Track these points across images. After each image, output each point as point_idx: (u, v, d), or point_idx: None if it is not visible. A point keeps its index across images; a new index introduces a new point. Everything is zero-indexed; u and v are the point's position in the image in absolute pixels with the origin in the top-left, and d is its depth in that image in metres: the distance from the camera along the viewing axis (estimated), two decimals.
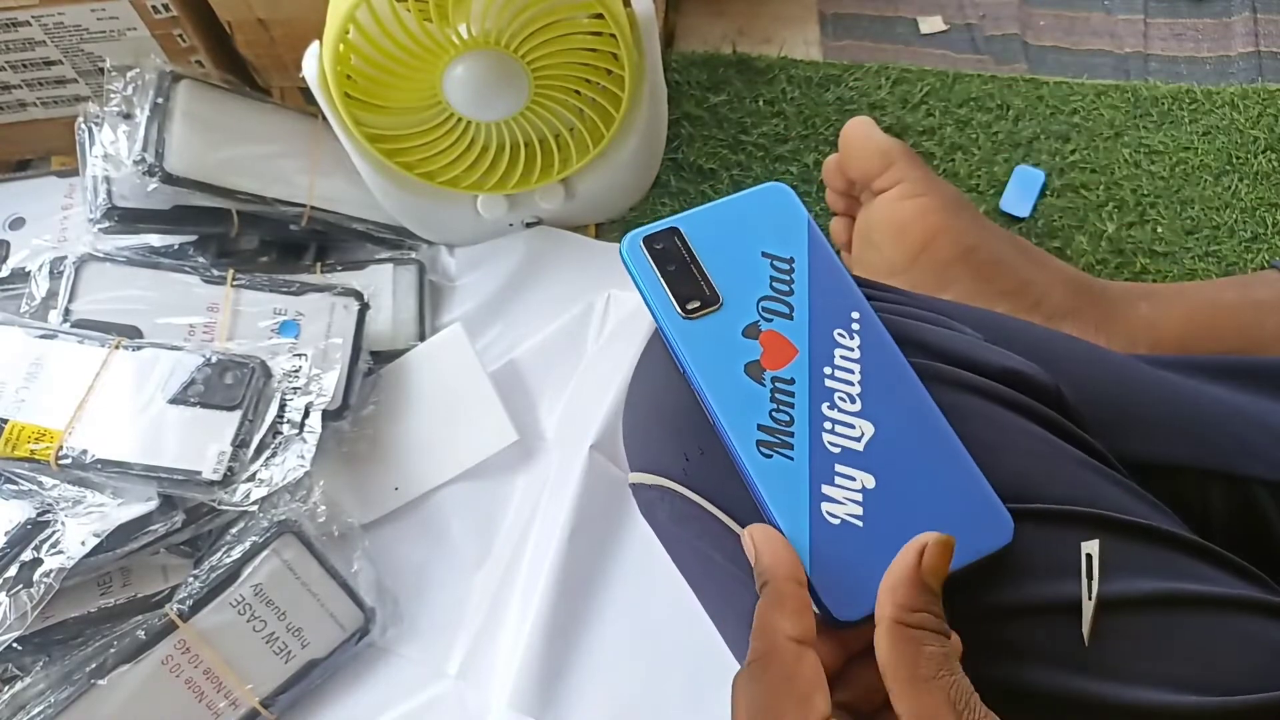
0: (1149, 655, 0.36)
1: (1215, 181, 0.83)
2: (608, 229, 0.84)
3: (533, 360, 0.77)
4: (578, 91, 0.71)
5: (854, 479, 0.36)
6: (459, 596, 0.69)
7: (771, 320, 0.38)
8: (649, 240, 0.40)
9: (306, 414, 0.67)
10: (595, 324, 0.78)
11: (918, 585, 0.31)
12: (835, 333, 0.38)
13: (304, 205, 0.78)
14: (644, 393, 0.46)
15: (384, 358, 0.76)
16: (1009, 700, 0.33)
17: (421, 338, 0.78)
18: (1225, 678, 0.35)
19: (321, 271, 0.80)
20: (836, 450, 0.36)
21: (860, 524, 0.35)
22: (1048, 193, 0.84)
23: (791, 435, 0.36)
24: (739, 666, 0.33)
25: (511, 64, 0.67)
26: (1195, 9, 0.95)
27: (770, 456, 0.36)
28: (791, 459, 0.36)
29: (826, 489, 0.35)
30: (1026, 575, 0.36)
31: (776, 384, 0.37)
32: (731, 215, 0.41)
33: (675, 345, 0.38)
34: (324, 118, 0.71)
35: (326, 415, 0.68)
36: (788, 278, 0.39)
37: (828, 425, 0.36)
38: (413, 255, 0.82)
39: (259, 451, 0.64)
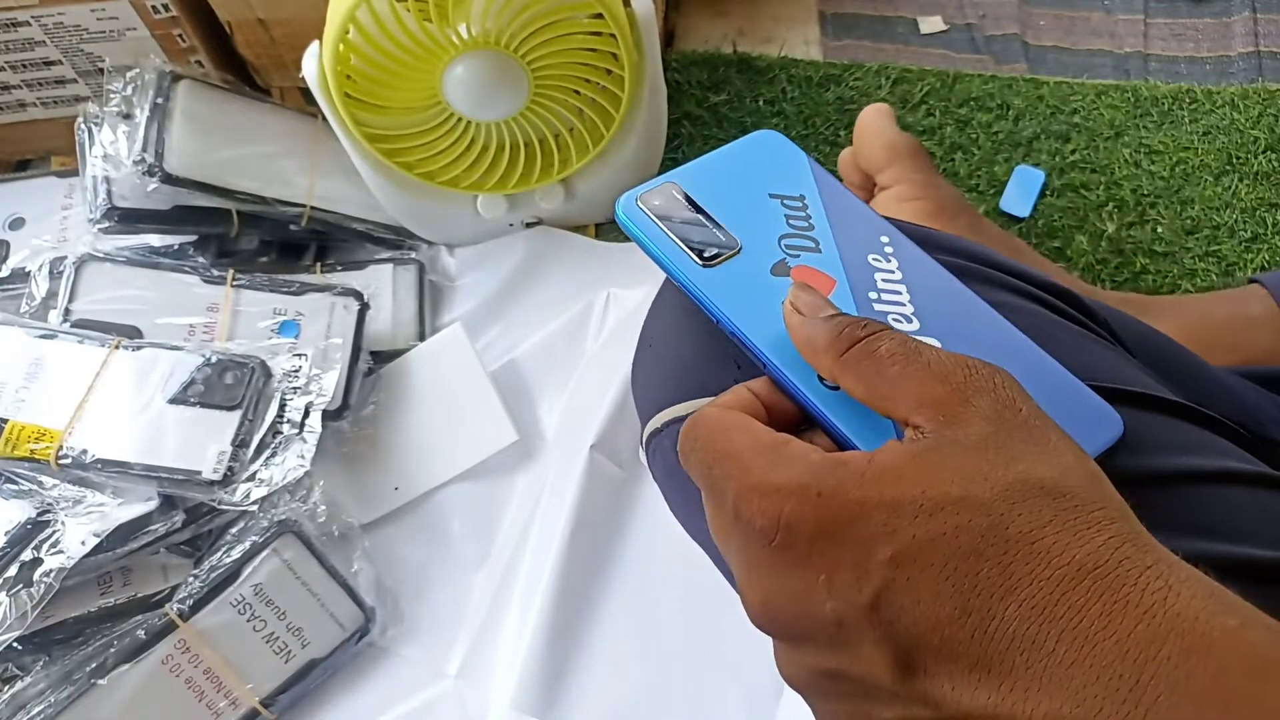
0: (1265, 522, 0.36)
1: (1215, 181, 0.83)
2: (608, 229, 0.84)
3: (533, 360, 0.77)
4: (578, 91, 0.71)
5: None
6: (459, 596, 0.69)
7: (799, 255, 0.36)
8: (646, 198, 0.37)
9: (306, 414, 0.67)
10: (595, 324, 0.78)
11: (807, 333, 0.31)
12: (870, 258, 0.36)
13: (304, 205, 0.78)
14: (668, 326, 0.44)
15: (384, 358, 0.76)
16: None
17: (421, 338, 0.78)
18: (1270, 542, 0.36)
19: (321, 271, 0.80)
20: None
21: None
22: (1048, 193, 0.84)
23: None
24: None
25: (511, 64, 0.67)
26: (1195, 9, 0.95)
27: (836, 388, 0.32)
28: None
29: None
30: (1128, 449, 0.36)
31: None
32: (727, 164, 0.39)
33: (703, 296, 0.35)
34: (324, 118, 0.71)
35: (326, 415, 0.68)
36: (803, 214, 0.37)
37: None
38: (413, 255, 0.82)
39: (259, 451, 0.64)
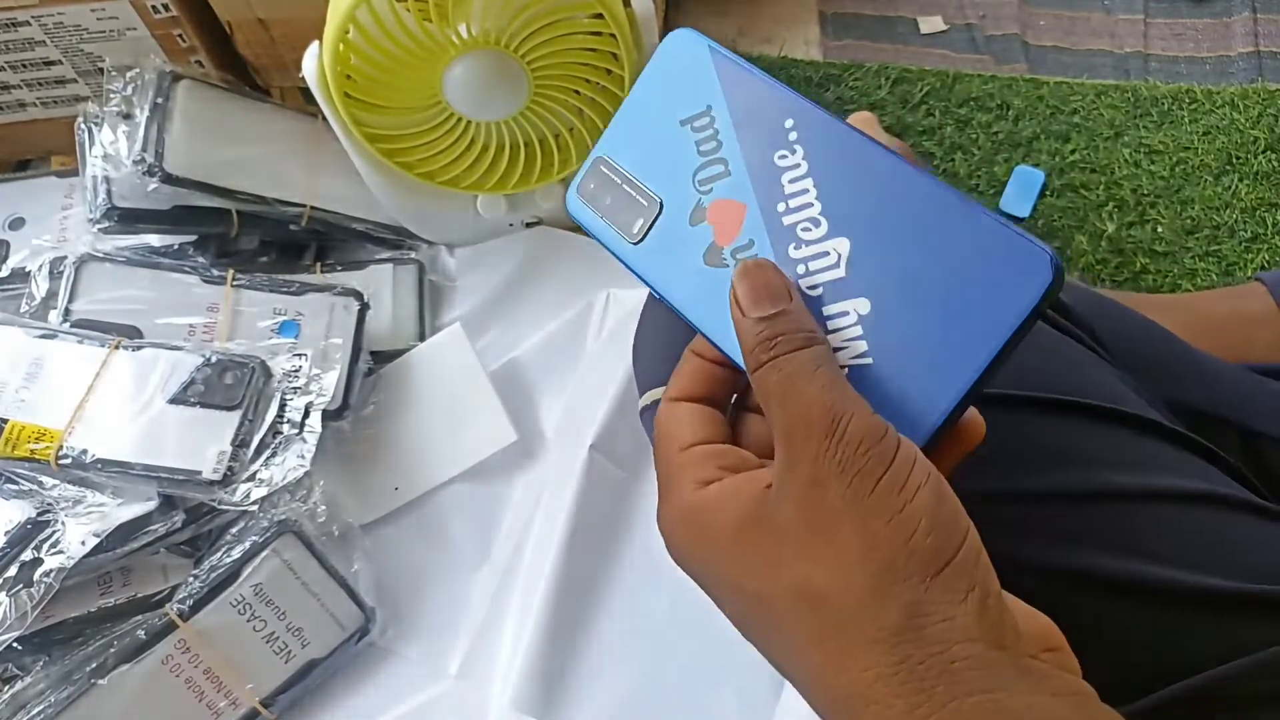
0: (1168, 543, 0.37)
1: (1215, 181, 0.83)
2: None
3: (533, 360, 0.77)
4: (577, 91, 0.71)
5: (847, 313, 0.30)
6: (459, 596, 0.69)
7: (710, 189, 0.33)
8: (583, 185, 0.36)
9: (306, 414, 0.67)
10: (595, 324, 0.78)
11: (739, 336, 0.30)
12: (776, 157, 0.32)
13: (304, 205, 0.78)
14: (654, 317, 0.45)
15: (384, 358, 0.76)
16: (1044, 580, 0.33)
17: (421, 338, 0.78)
18: (1236, 570, 0.37)
19: (321, 271, 0.80)
20: (818, 291, 0.31)
21: (870, 360, 0.30)
22: (1048, 193, 0.84)
23: None
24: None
25: (511, 64, 0.67)
26: (1195, 9, 0.95)
27: None
28: None
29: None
30: (1072, 464, 0.37)
31: (738, 256, 0.32)
32: (642, 103, 0.36)
33: (641, 275, 0.34)
34: (324, 118, 0.71)
35: (326, 415, 0.68)
36: (711, 131, 0.34)
37: (800, 270, 0.31)
38: (413, 255, 0.82)
39: (259, 451, 0.64)
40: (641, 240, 0.34)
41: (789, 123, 0.32)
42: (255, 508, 0.63)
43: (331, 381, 0.69)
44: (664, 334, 0.44)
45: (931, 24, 0.96)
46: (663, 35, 0.99)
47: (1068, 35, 0.95)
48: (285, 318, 0.73)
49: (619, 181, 0.35)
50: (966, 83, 0.90)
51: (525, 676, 0.64)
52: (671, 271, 0.33)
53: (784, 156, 0.32)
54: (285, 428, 0.66)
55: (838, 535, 0.26)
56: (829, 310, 0.31)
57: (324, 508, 0.66)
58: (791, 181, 0.32)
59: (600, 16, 0.66)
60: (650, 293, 0.36)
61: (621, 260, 0.35)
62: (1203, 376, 0.49)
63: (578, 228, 0.36)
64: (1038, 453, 0.37)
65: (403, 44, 0.64)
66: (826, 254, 0.31)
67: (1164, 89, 0.89)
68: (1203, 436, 0.45)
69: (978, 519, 0.26)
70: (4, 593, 0.58)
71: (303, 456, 0.65)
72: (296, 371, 0.68)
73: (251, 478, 0.63)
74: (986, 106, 0.89)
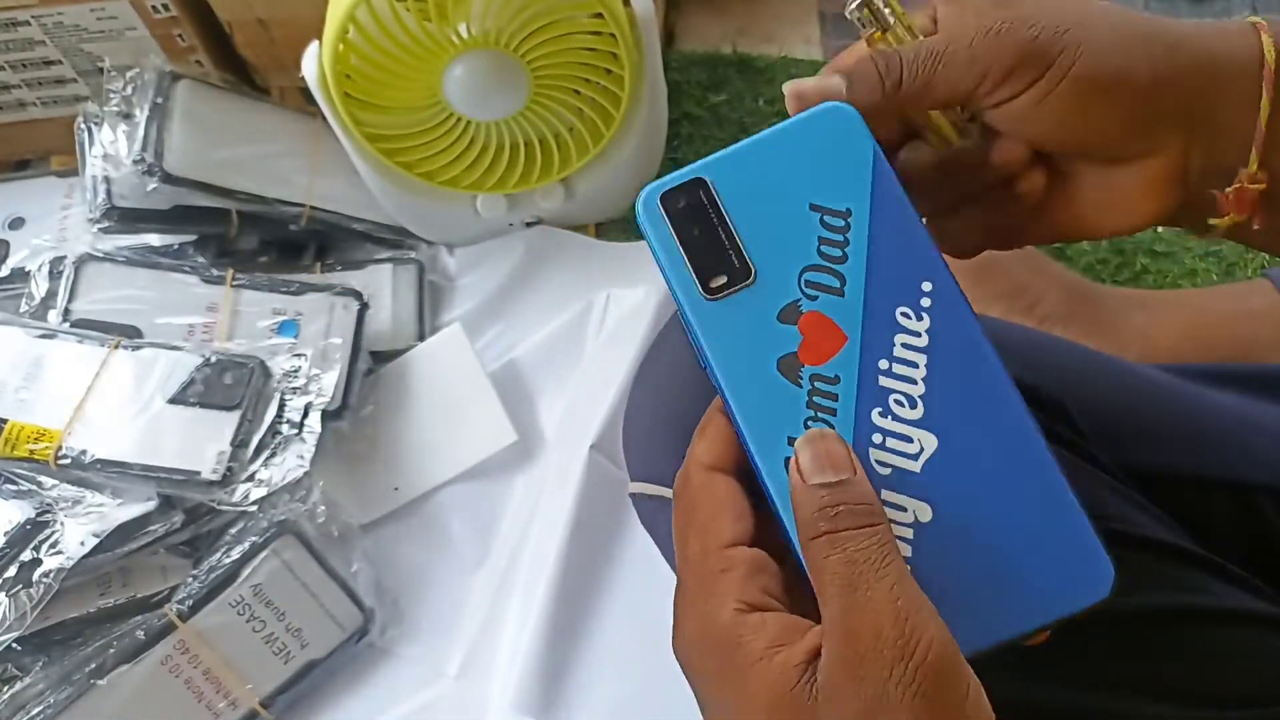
0: (1154, 669, 0.35)
1: None
2: (608, 229, 0.84)
3: (532, 360, 0.77)
4: (577, 91, 0.71)
5: (905, 509, 0.29)
6: (459, 596, 0.69)
7: (816, 299, 0.30)
8: (668, 197, 0.31)
9: (306, 414, 0.66)
10: (595, 324, 0.78)
11: (806, 493, 0.27)
12: (898, 312, 0.30)
13: (303, 205, 0.78)
14: (647, 396, 0.44)
15: (384, 358, 0.76)
16: (1014, 717, 0.33)
17: (421, 338, 0.78)
18: (1230, 691, 0.35)
19: (321, 271, 0.80)
20: (886, 472, 0.29)
21: (909, 570, 0.28)
22: None
23: None
24: None
25: (511, 63, 0.67)
26: (1195, 9, 0.95)
27: None
28: None
29: None
30: None
31: (816, 383, 0.30)
32: (775, 155, 0.32)
33: (695, 332, 0.31)
34: (324, 118, 0.71)
35: (326, 415, 0.67)
36: (841, 238, 0.31)
37: (877, 439, 0.29)
38: (412, 255, 0.82)
39: (258, 452, 0.64)
40: (715, 299, 0.31)
41: (927, 286, 0.30)
42: (254, 508, 0.63)
43: (331, 381, 0.69)
44: (663, 416, 0.41)
45: None
46: (663, 36, 0.98)
47: None
48: (285, 317, 0.73)
49: (715, 221, 0.31)
50: None
51: (525, 676, 0.63)
52: (735, 351, 0.30)
53: (908, 317, 0.30)
54: (284, 428, 0.66)
55: None
56: (888, 498, 0.29)
57: (323, 508, 0.66)
58: (905, 346, 0.30)
59: (600, 16, 0.66)
60: (655, 353, 0.34)
61: (677, 300, 0.31)
62: (1185, 430, 0.46)
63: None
64: None
65: (402, 44, 0.64)
66: (910, 440, 0.30)
67: None
68: (1187, 497, 0.43)
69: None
70: (3, 593, 0.58)
71: (302, 457, 0.65)
72: (296, 371, 0.68)
73: (251, 478, 0.63)
74: None
